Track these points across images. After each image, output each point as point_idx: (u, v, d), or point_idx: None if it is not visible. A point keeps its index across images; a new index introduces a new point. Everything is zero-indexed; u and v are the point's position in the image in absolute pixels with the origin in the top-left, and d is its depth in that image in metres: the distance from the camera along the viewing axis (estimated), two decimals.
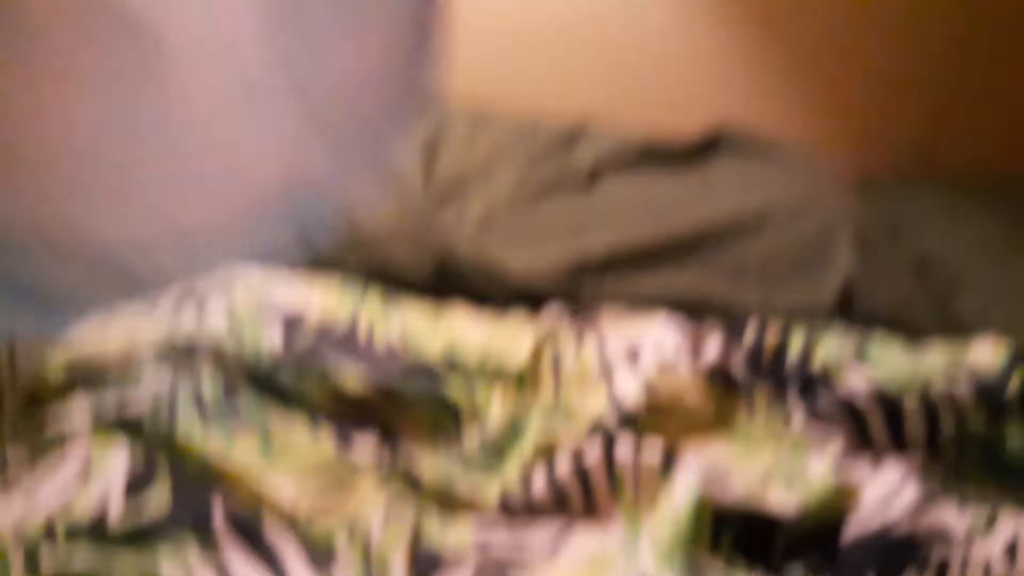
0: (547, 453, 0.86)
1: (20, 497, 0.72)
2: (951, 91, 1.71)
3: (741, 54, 1.70)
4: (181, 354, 0.90)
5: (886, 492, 0.83)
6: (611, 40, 1.69)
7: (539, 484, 0.82)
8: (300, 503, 0.74)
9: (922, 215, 1.46)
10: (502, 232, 1.25)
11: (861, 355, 1.01)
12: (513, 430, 0.91)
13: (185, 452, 0.76)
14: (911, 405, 0.92)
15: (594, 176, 1.43)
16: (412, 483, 0.80)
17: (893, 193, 1.54)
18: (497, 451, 0.88)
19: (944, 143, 1.74)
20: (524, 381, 0.99)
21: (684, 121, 1.67)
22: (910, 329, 1.16)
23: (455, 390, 0.93)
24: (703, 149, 1.55)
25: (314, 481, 0.77)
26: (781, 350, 1.03)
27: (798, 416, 0.95)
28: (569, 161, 1.46)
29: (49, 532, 0.67)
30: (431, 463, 0.85)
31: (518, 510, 0.80)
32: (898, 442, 0.92)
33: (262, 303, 0.99)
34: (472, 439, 0.90)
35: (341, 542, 0.72)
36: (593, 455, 0.83)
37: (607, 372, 1.00)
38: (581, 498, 0.82)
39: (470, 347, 1.02)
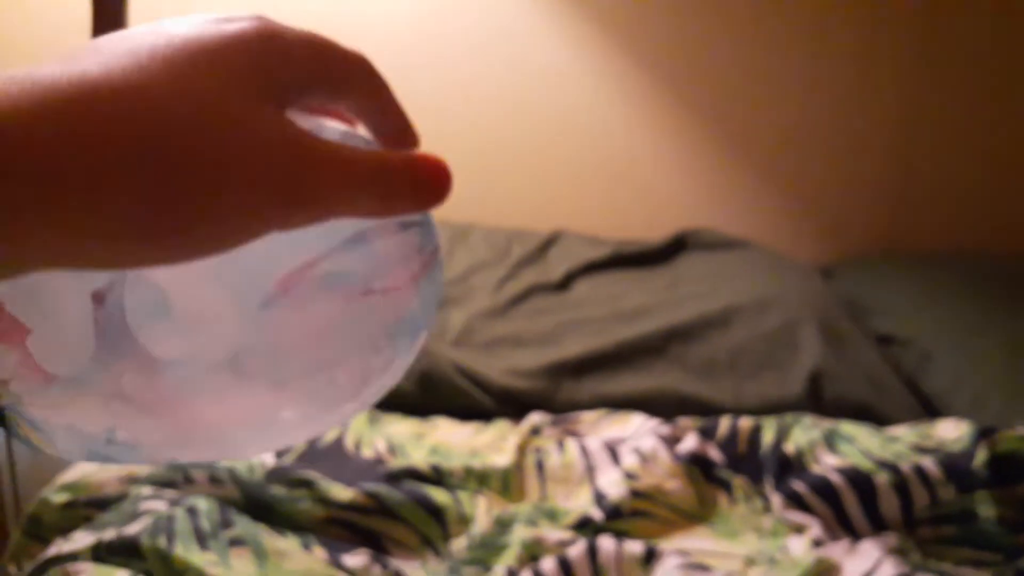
0: (533, 552, 0.88)
1: None
2: (907, 177, 1.79)
3: (703, 163, 1.78)
4: (178, 477, 0.93)
5: (866, 568, 0.86)
6: (578, 157, 1.76)
7: None
8: None
9: (886, 296, 1.49)
10: (481, 341, 1.28)
11: (831, 445, 1.04)
12: (500, 532, 0.93)
13: (184, 571, 0.78)
14: (883, 481, 0.95)
15: (567, 281, 1.47)
16: None
17: (857, 278, 1.58)
18: (485, 554, 0.90)
19: (902, 227, 1.81)
20: (509, 484, 1.01)
21: (652, 227, 1.73)
22: (880, 412, 1.19)
23: (441, 496, 0.95)
24: (670, 250, 1.60)
25: None
26: (755, 436, 1.06)
27: (776, 502, 0.98)
28: (543, 268, 1.50)
29: None
30: (421, 569, 0.87)
31: None
32: (874, 520, 0.95)
33: None
34: (460, 543, 0.92)
35: None
36: (577, 550, 0.85)
37: (590, 469, 1.03)
38: None
39: (455, 453, 1.05)
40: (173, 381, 0.26)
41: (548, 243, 1.61)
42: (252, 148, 0.23)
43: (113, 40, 0.25)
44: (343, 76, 0.28)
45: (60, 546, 0.84)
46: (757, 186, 1.79)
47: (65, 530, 0.92)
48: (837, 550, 0.90)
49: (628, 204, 1.79)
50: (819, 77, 1.74)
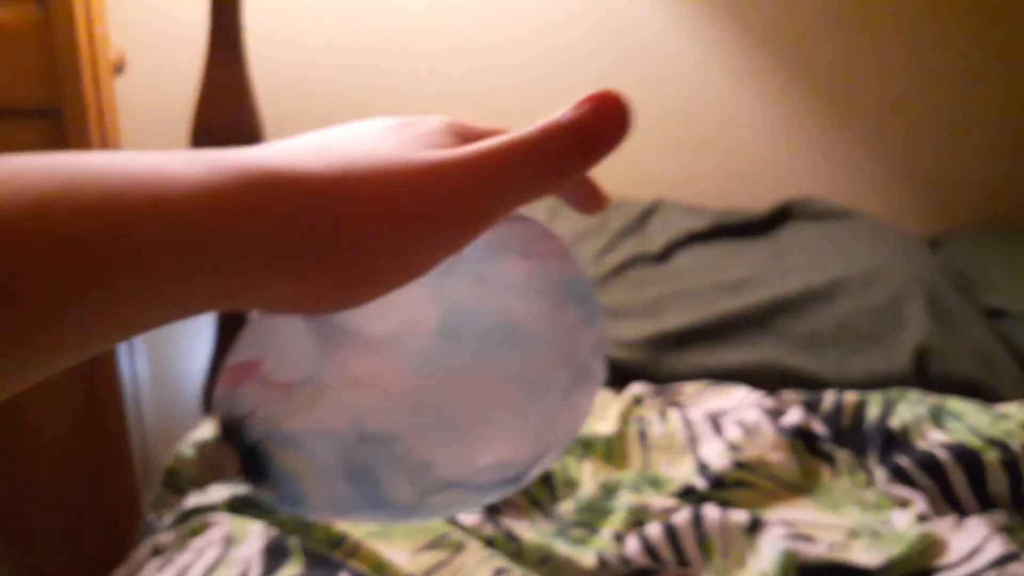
0: (639, 518, 0.91)
1: (174, 573, 0.81)
2: (1018, 146, 1.73)
3: (807, 131, 1.75)
4: None
5: (973, 545, 0.86)
6: (680, 126, 1.75)
7: (632, 547, 0.87)
8: (415, 568, 0.81)
9: (996, 269, 1.46)
10: None
11: (938, 421, 1.03)
12: (605, 497, 0.96)
13: (312, 523, 0.84)
14: (991, 459, 0.94)
15: (668, 251, 1.48)
16: (515, 546, 0.86)
17: (966, 249, 1.54)
18: (591, 517, 0.94)
19: (1013, 197, 1.75)
20: (612, 451, 1.04)
21: (755, 197, 1.72)
22: (989, 388, 1.17)
23: None
24: (774, 220, 1.59)
25: (427, 547, 0.84)
26: (860, 410, 1.07)
27: (880, 476, 0.99)
28: (643, 239, 1.51)
29: None
30: (531, 529, 0.91)
31: (615, 568, 0.85)
32: (982, 498, 0.94)
33: None
34: (567, 506, 0.96)
35: None
36: (682, 517, 0.88)
37: (692, 439, 1.05)
38: (673, 555, 0.86)
39: None
40: (395, 356, 0.28)
41: (648, 213, 1.61)
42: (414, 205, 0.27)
43: (329, 138, 0.29)
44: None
45: (199, 498, 0.91)
46: (864, 155, 1.76)
47: (200, 483, 0.99)
48: (942, 526, 0.90)
49: (730, 173, 1.78)
50: (929, 44, 1.70)
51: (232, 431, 0.29)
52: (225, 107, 1.23)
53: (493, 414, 0.30)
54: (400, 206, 0.26)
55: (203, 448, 0.24)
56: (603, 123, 0.28)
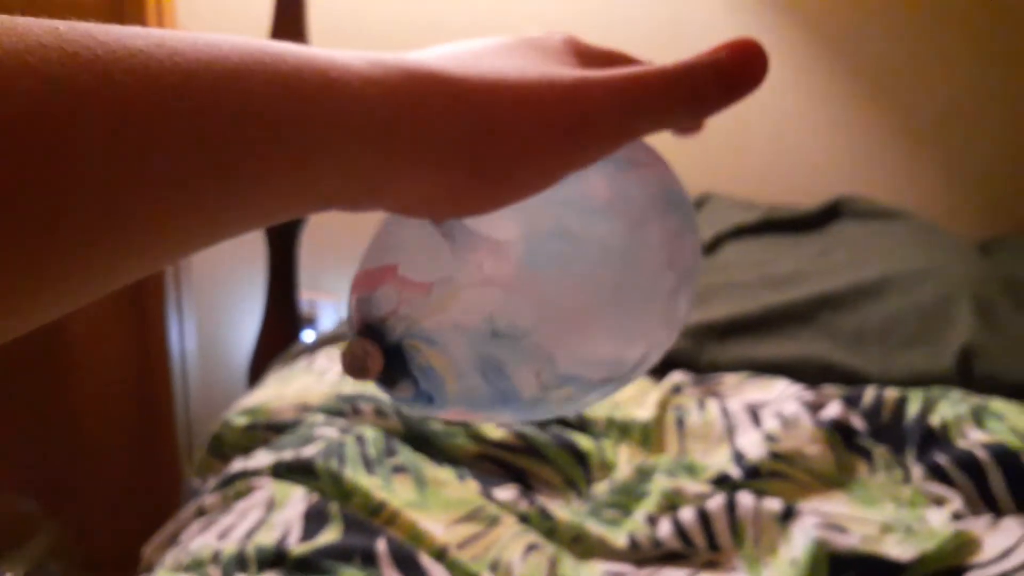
0: (673, 501, 0.92)
1: (216, 533, 0.83)
2: None
3: (861, 129, 1.74)
4: (347, 408, 1.02)
5: (1007, 545, 0.86)
6: (733, 119, 1.75)
7: (665, 530, 0.88)
8: (450, 539, 0.83)
9: None
10: None
11: (979, 420, 1.03)
12: (640, 480, 0.97)
13: (352, 491, 0.86)
14: None
15: (715, 244, 1.48)
16: (548, 524, 0.88)
17: (1015, 254, 1.52)
18: (625, 499, 0.95)
19: None
20: (649, 437, 1.05)
21: (804, 193, 1.71)
22: None
23: (585, 442, 1.00)
24: (823, 216, 1.58)
25: (463, 520, 0.85)
26: (900, 407, 1.06)
27: (917, 473, 0.98)
28: None
29: (241, 560, 0.78)
30: (565, 508, 0.92)
31: (646, 550, 0.86)
32: (1020, 499, 0.93)
33: None
34: (601, 487, 0.97)
35: (486, 575, 0.80)
36: (715, 503, 0.89)
37: (730, 429, 1.05)
38: (704, 540, 0.87)
39: (597, 404, 1.09)
40: (523, 257, 0.31)
41: (698, 205, 1.61)
42: (542, 112, 0.28)
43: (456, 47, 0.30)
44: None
45: (244, 463, 0.94)
46: (917, 156, 1.74)
47: (246, 449, 1.02)
48: (978, 525, 0.90)
49: (780, 168, 1.77)
50: (987, 47, 1.67)
51: (374, 330, 0.31)
52: None
53: (608, 312, 0.32)
54: (548, 117, 0.28)
55: (346, 348, 0.25)
56: (742, 65, 0.30)
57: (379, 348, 0.31)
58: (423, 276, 0.31)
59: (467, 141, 0.27)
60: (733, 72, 0.30)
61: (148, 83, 0.20)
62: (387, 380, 0.32)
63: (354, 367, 0.30)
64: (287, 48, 0.24)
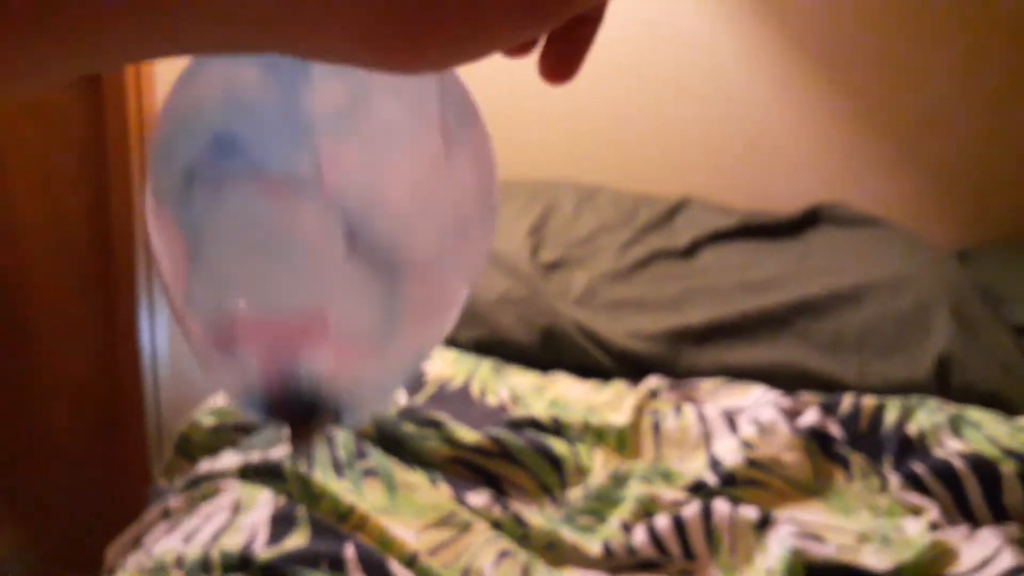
0: (648, 508, 0.90)
1: (181, 536, 0.81)
2: None
3: (840, 138, 1.74)
4: None
5: (984, 556, 0.85)
6: (713, 124, 1.75)
7: (640, 537, 0.86)
8: (421, 545, 0.81)
9: (1022, 283, 1.44)
10: (604, 303, 1.30)
11: (956, 429, 1.02)
12: (615, 486, 0.96)
13: (321, 495, 0.84)
14: (1008, 471, 0.93)
15: (693, 248, 1.47)
16: (522, 530, 0.86)
17: (994, 264, 1.52)
18: (600, 505, 0.93)
19: None
20: (625, 442, 1.03)
21: (783, 200, 1.71)
22: (1010, 401, 1.16)
23: (560, 446, 0.99)
24: (802, 223, 1.57)
25: (434, 525, 0.84)
26: (877, 415, 1.05)
27: (894, 482, 0.98)
28: (669, 234, 1.51)
29: (205, 564, 0.76)
30: (538, 514, 0.91)
31: (621, 558, 0.85)
32: (996, 509, 0.93)
33: None
34: (576, 493, 0.95)
35: None
36: (691, 510, 0.88)
37: (706, 435, 1.04)
38: (680, 548, 0.86)
39: (573, 408, 1.08)
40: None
41: (675, 209, 1.60)
42: None
43: None
44: None
45: (210, 464, 0.92)
46: (896, 165, 1.74)
47: (213, 450, 0.99)
48: (955, 535, 0.89)
49: (759, 174, 1.76)
50: (965, 59, 1.67)
51: (307, 408, 0.29)
52: None
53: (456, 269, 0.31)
54: None
55: (293, 447, 0.24)
56: None
57: (319, 420, 0.29)
58: (365, 332, 0.28)
59: None
60: None
61: None
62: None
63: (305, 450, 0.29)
64: None
